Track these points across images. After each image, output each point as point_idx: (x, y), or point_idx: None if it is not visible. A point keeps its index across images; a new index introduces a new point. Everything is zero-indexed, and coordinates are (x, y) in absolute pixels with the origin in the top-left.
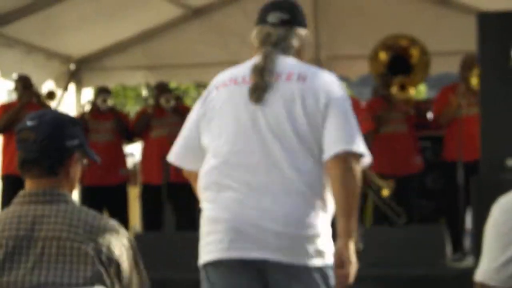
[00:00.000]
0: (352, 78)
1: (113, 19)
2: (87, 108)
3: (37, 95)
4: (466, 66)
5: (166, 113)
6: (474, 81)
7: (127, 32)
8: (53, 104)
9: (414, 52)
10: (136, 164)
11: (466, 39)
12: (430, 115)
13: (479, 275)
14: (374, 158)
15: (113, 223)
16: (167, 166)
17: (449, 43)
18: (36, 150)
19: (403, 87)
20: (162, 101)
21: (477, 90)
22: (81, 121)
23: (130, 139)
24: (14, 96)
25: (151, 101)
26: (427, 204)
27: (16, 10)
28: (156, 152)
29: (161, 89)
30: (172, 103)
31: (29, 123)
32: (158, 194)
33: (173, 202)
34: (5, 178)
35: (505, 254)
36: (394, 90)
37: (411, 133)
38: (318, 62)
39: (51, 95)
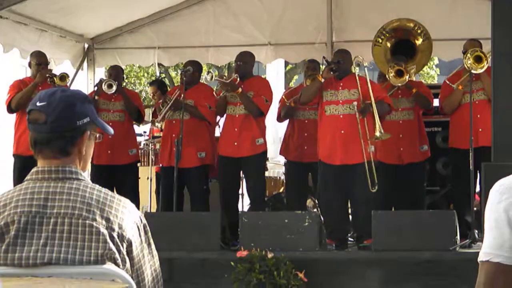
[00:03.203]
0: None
1: None
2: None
3: (51, 76)
4: (465, 51)
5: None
6: (468, 62)
7: (141, 12)
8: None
9: (417, 36)
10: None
11: (480, 25)
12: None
13: (483, 254)
14: (380, 146)
15: (126, 201)
16: (178, 147)
17: (463, 30)
18: (47, 131)
19: (400, 74)
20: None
21: (480, 75)
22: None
23: (140, 121)
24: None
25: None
26: (437, 189)
27: None
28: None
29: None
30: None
31: (38, 103)
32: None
33: (187, 186)
34: (16, 157)
35: (507, 230)
36: (391, 76)
37: (418, 121)
38: (331, 45)
39: (63, 78)
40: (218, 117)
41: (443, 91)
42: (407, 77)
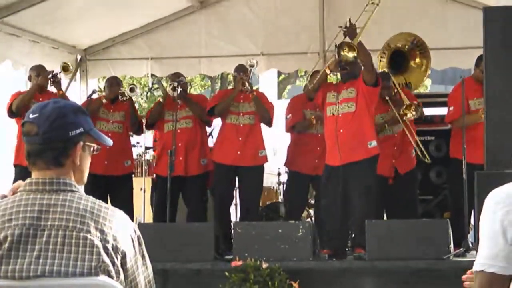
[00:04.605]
0: None
1: (120, 10)
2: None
3: (52, 74)
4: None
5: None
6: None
7: (134, 23)
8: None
9: (415, 55)
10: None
11: (471, 34)
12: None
13: (477, 264)
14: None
15: (120, 213)
16: (172, 159)
17: (455, 39)
18: (39, 142)
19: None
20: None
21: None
22: (90, 109)
23: (139, 131)
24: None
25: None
26: (430, 198)
27: (23, 0)
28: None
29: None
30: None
31: (31, 115)
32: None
33: (186, 195)
34: (16, 167)
35: (502, 241)
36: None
37: (404, 132)
38: (323, 55)
39: (65, 68)
40: (210, 128)
41: (453, 101)
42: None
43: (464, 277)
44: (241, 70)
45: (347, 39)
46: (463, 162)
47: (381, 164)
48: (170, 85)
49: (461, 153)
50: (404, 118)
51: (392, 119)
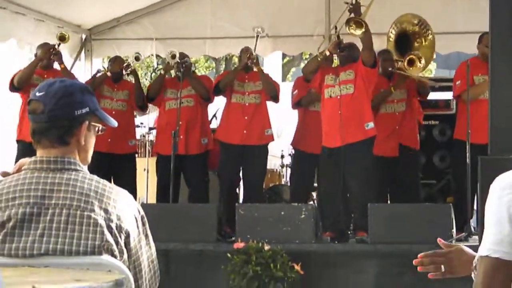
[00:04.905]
0: None
1: None
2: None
3: (53, 48)
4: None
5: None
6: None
7: (139, 3)
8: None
9: (420, 38)
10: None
11: (477, 19)
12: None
13: (483, 249)
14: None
15: (124, 192)
16: (176, 139)
17: (460, 23)
18: (45, 120)
19: (411, 62)
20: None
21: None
22: (94, 84)
23: (144, 108)
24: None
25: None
26: (433, 183)
27: None
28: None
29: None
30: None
31: (37, 93)
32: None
33: (186, 174)
34: (19, 142)
35: (507, 226)
36: (403, 65)
37: (411, 113)
38: (329, 37)
39: (62, 37)
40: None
41: (459, 78)
42: (420, 64)
43: (415, 261)
44: (247, 49)
45: (355, 16)
46: (467, 146)
47: (383, 144)
48: (169, 53)
49: (465, 135)
50: (411, 69)
51: (398, 80)
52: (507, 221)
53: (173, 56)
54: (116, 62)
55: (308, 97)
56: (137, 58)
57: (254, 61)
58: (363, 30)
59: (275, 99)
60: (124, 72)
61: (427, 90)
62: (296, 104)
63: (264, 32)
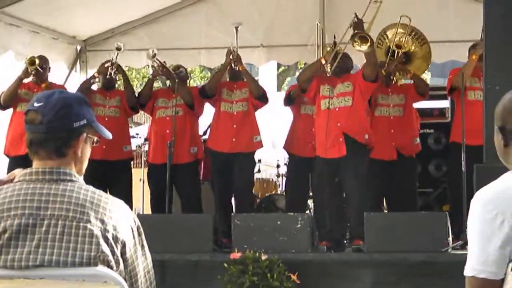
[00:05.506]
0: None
1: (120, 0)
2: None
3: (40, 70)
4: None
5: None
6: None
7: (134, 14)
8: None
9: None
10: (139, 146)
11: (471, 27)
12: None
13: (468, 269)
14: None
15: (120, 202)
16: (171, 150)
17: (454, 31)
18: (43, 131)
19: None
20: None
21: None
22: (88, 92)
23: (136, 108)
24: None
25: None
26: (429, 191)
27: None
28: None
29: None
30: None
31: (36, 104)
32: (161, 175)
33: (177, 184)
34: (9, 157)
35: (491, 245)
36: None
37: (408, 117)
38: (323, 47)
39: (31, 62)
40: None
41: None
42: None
43: None
44: (230, 51)
45: (360, 31)
46: (463, 150)
47: (380, 148)
48: (151, 51)
49: (461, 137)
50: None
51: (395, 67)
52: (491, 240)
53: (154, 55)
54: (101, 66)
55: (298, 91)
56: (118, 48)
57: (236, 58)
58: (369, 44)
59: (263, 98)
60: (110, 70)
61: (425, 87)
62: (287, 99)
63: (241, 25)
